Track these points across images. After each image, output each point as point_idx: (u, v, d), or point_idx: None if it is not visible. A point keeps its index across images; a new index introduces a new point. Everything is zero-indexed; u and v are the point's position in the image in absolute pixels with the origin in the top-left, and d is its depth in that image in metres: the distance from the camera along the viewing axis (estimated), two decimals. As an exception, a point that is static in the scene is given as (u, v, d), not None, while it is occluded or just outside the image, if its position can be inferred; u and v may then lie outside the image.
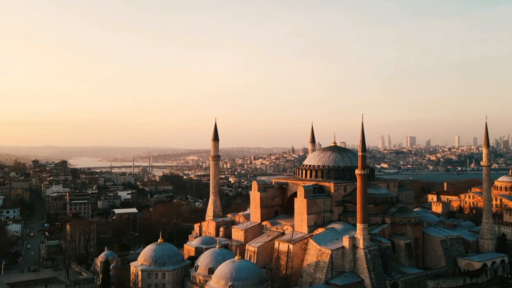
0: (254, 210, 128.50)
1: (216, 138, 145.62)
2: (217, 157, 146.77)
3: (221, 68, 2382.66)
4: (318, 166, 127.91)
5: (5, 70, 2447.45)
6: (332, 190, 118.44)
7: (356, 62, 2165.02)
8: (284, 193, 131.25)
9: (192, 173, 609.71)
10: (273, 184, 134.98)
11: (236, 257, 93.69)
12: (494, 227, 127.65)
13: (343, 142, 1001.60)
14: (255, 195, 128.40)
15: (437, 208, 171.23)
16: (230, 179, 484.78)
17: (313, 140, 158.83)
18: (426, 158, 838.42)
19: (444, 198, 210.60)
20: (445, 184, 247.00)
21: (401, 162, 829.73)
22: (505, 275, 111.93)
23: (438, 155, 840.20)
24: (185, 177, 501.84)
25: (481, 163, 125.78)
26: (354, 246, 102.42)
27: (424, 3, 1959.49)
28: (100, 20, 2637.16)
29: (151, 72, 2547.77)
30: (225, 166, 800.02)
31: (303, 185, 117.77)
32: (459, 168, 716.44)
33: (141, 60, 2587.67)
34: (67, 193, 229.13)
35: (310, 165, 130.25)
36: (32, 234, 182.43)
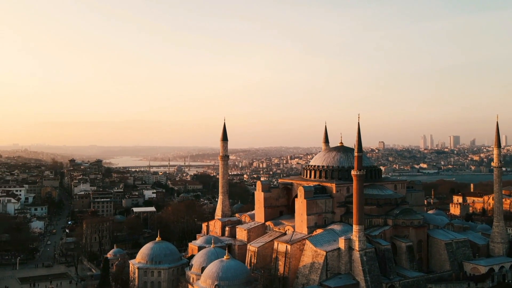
0: (258, 210, 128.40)
1: (224, 138, 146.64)
2: (225, 157, 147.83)
3: (259, 67, 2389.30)
4: (323, 166, 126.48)
5: (54, 74, 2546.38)
6: (334, 191, 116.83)
7: (397, 60, 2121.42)
8: (289, 193, 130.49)
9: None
10: (278, 184, 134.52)
11: (225, 256, 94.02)
12: (507, 231, 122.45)
13: (382, 142, 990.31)
14: (259, 195, 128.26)
15: (455, 210, 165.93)
16: (262, 179, 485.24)
17: (326, 140, 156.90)
18: (469, 158, 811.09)
19: (470, 199, 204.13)
20: (471, 185, 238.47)
21: (442, 162, 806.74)
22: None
23: (482, 155, 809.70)
24: (217, 176, 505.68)
25: (492, 164, 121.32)
26: (350, 248, 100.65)
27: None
28: (138, 25, 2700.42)
29: (191, 73, 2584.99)
30: (261, 165, 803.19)
31: (303, 185, 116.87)
32: (504, 169, 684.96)
33: (180, 61, 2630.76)
34: (91, 192, 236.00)
35: (314, 165, 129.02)
36: (54, 230, 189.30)
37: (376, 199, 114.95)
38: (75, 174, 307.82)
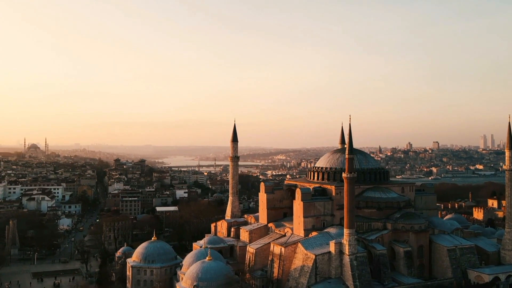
0: (262, 212, 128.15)
1: (235, 139, 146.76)
2: (236, 158, 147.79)
3: (310, 67, 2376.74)
4: (326, 168, 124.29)
5: (112, 76, 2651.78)
6: (334, 193, 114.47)
7: (454, 57, 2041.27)
8: (294, 195, 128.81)
9: (270, 173, 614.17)
10: (282, 186, 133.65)
11: (207, 258, 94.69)
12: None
13: (436, 142, 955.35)
14: (262, 197, 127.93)
15: (478, 215, 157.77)
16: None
17: (343, 141, 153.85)
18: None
19: (505, 203, 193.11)
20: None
21: (501, 164, 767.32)
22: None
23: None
24: (261, 176, 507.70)
25: (504, 166, 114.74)
26: (340, 252, 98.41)
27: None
28: (187, 32, 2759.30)
29: (246, 75, 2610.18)
30: (309, 165, 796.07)
31: (301, 187, 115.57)
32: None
33: (235, 63, 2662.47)
34: (120, 191, 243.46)
35: (318, 167, 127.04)
36: (81, 228, 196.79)
37: (377, 202, 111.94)
38: (113, 173, 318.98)
